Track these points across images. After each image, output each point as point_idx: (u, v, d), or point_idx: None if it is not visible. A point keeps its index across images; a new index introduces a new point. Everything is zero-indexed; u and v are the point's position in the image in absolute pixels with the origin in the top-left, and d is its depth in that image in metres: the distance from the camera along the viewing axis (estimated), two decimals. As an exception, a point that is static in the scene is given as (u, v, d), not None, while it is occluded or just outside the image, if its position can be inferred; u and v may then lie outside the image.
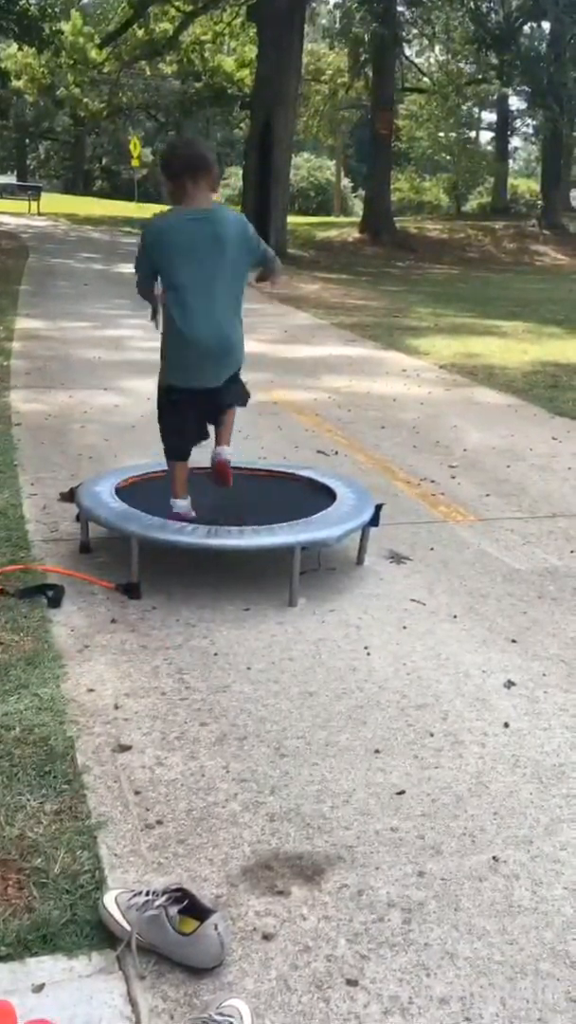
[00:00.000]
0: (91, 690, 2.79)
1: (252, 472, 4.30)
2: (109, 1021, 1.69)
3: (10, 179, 43.43)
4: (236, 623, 3.29)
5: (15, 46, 28.78)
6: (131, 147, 34.56)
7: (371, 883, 2.06)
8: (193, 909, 1.84)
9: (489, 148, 39.93)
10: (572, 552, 4.12)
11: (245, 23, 27.92)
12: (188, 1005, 1.74)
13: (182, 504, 3.71)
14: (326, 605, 3.47)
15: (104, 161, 52.65)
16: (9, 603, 3.29)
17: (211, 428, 3.82)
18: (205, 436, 3.83)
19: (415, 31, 30.11)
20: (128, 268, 17.15)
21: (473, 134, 40.98)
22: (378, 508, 3.86)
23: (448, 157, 35.84)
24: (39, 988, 1.74)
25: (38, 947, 1.83)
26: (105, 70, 36.50)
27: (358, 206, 39.23)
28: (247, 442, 5.31)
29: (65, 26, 29.91)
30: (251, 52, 29.40)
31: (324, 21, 34.06)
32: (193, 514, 3.68)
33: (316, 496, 3.95)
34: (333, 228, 29.50)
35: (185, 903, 1.85)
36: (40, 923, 1.88)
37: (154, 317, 3.68)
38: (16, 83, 35.85)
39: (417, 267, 23.44)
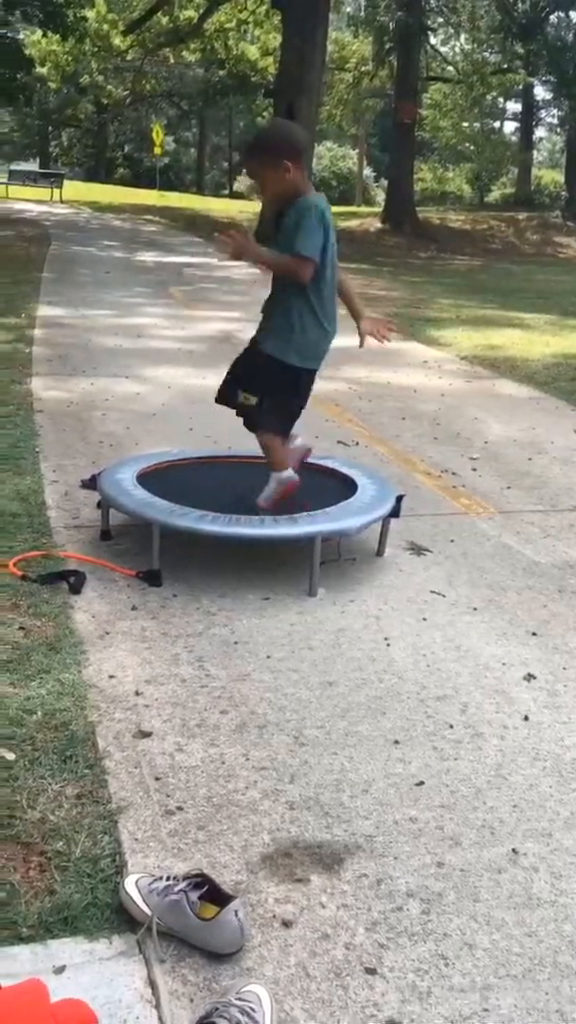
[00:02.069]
0: (112, 676, 2.81)
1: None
2: (129, 1003, 1.71)
3: (32, 166, 43.50)
4: (256, 612, 3.30)
5: (39, 32, 28.73)
6: (153, 135, 34.52)
7: (390, 873, 2.07)
8: (213, 895, 1.86)
9: (513, 138, 39.67)
10: (593, 546, 4.10)
11: (269, 11, 27.80)
12: (208, 989, 1.75)
13: (288, 474, 3.70)
14: (346, 595, 3.48)
15: (126, 149, 52.65)
16: (31, 589, 3.31)
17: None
18: None
19: (440, 20, 29.96)
20: (149, 256, 17.21)
21: (497, 124, 40.78)
22: (399, 499, 3.86)
23: (472, 147, 35.64)
24: (61, 970, 1.76)
25: (59, 929, 1.85)
26: (129, 57, 36.48)
27: (380, 196, 39.06)
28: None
29: (90, 13, 29.87)
30: (275, 40, 29.31)
31: (349, 9, 33.95)
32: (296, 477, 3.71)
33: (337, 486, 3.94)
34: (355, 218, 29.40)
35: (205, 889, 1.86)
36: (61, 906, 1.90)
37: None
38: (40, 70, 35.78)
39: (439, 258, 23.35)
